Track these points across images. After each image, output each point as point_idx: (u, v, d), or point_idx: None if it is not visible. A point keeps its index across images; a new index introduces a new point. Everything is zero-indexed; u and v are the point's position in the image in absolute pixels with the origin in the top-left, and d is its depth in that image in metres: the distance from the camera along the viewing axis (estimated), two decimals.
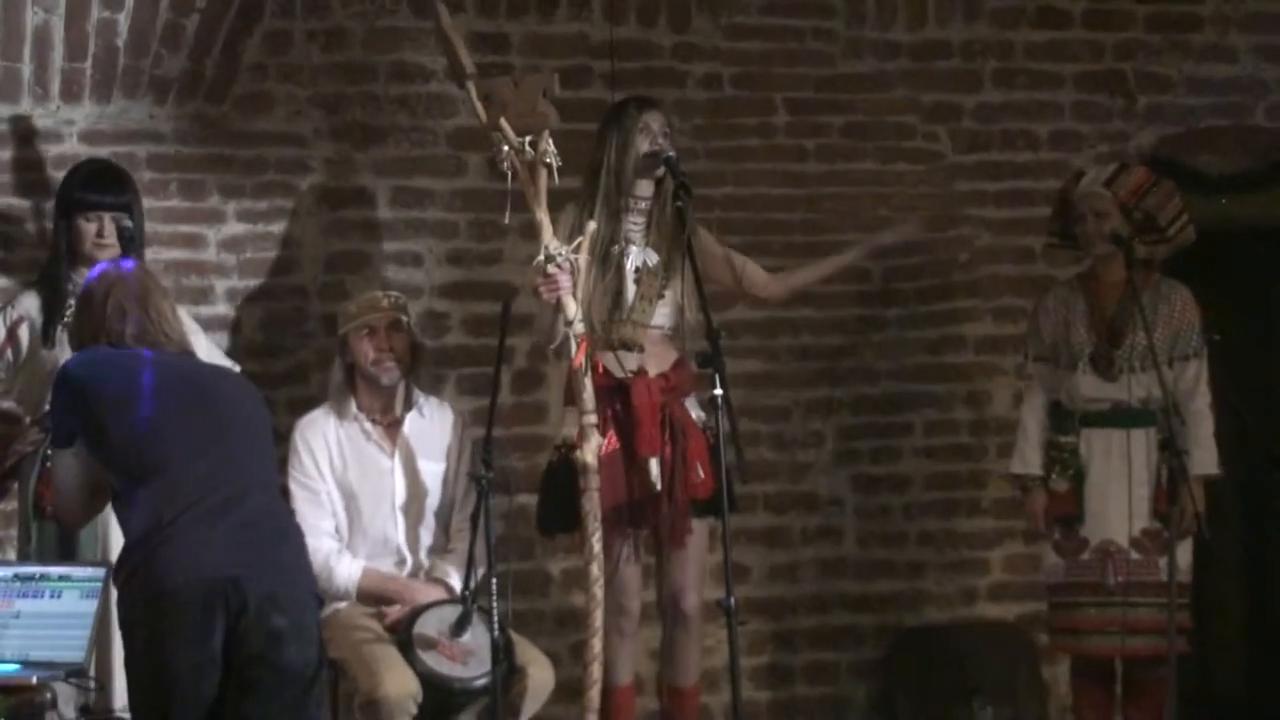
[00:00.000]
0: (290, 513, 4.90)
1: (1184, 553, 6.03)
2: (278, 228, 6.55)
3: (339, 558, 5.68)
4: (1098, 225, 6.13)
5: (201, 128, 6.47)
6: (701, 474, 5.68)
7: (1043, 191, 6.99)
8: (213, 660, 4.36)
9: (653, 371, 5.70)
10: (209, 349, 5.73)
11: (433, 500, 5.85)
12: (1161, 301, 6.14)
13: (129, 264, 4.93)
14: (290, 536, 4.63)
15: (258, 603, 4.38)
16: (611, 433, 5.69)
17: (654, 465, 5.67)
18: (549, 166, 5.48)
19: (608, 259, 5.77)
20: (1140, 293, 6.07)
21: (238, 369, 5.92)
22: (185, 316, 5.37)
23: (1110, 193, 6.16)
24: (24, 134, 6.32)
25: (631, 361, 5.75)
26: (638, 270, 5.79)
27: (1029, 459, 6.21)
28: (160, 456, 4.46)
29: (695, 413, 5.81)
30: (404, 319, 5.87)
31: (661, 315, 5.73)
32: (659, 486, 5.66)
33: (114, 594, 4.60)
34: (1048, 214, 6.50)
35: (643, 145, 5.80)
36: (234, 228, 6.51)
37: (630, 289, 5.77)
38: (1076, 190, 6.25)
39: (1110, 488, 6.07)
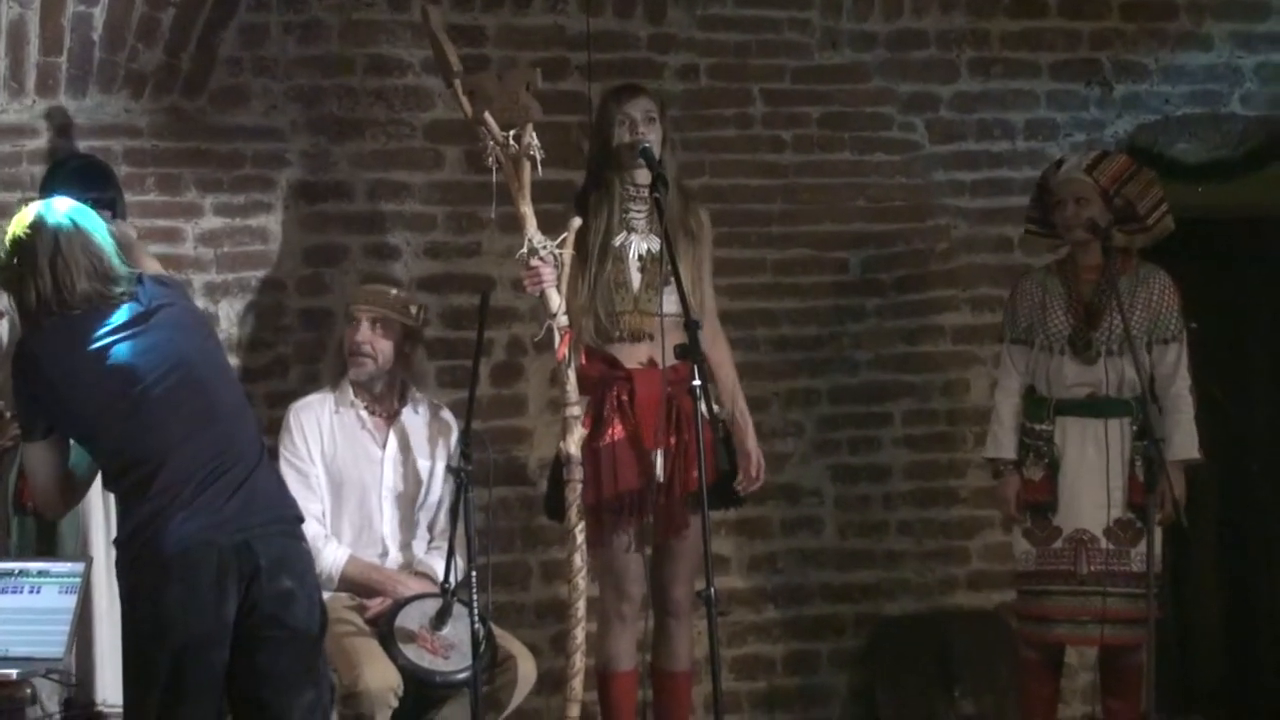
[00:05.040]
0: (281, 477, 4.87)
1: (1154, 541, 6.05)
2: (255, 221, 6.53)
3: (325, 543, 5.68)
4: (1077, 211, 6.14)
5: (178, 122, 6.46)
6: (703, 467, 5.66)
7: (1019, 181, 7.01)
8: (225, 628, 4.40)
9: (664, 362, 5.70)
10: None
11: (420, 494, 5.86)
12: (1140, 286, 6.16)
13: (43, 213, 4.58)
14: (288, 498, 4.64)
15: (269, 565, 4.43)
16: (618, 422, 5.70)
17: (658, 457, 5.67)
18: (532, 159, 5.49)
19: (607, 251, 5.77)
20: (1119, 278, 6.10)
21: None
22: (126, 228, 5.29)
23: (1091, 179, 6.18)
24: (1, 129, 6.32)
25: (642, 352, 5.76)
26: (641, 258, 5.79)
27: (1003, 443, 6.22)
28: (149, 435, 4.44)
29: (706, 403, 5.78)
30: (393, 317, 5.87)
31: (670, 302, 5.71)
32: (662, 478, 5.67)
33: (95, 585, 4.61)
34: (1025, 203, 6.51)
35: (622, 136, 5.80)
36: (211, 222, 6.49)
37: (635, 278, 5.78)
38: (1057, 176, 6.27)
39: (1085, 477, 6.08)
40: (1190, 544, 6.55)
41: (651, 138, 5.78)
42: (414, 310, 5.97)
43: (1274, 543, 8.00)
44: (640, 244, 5.82)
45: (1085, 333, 6.14)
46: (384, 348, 5.85)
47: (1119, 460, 6.08)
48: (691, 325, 5.40)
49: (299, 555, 4.56)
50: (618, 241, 5.80)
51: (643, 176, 5.77)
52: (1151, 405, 6.09)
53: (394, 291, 6.02)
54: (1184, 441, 6.10)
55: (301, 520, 4.65)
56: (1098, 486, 6.07)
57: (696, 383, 5.33)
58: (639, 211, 5.82)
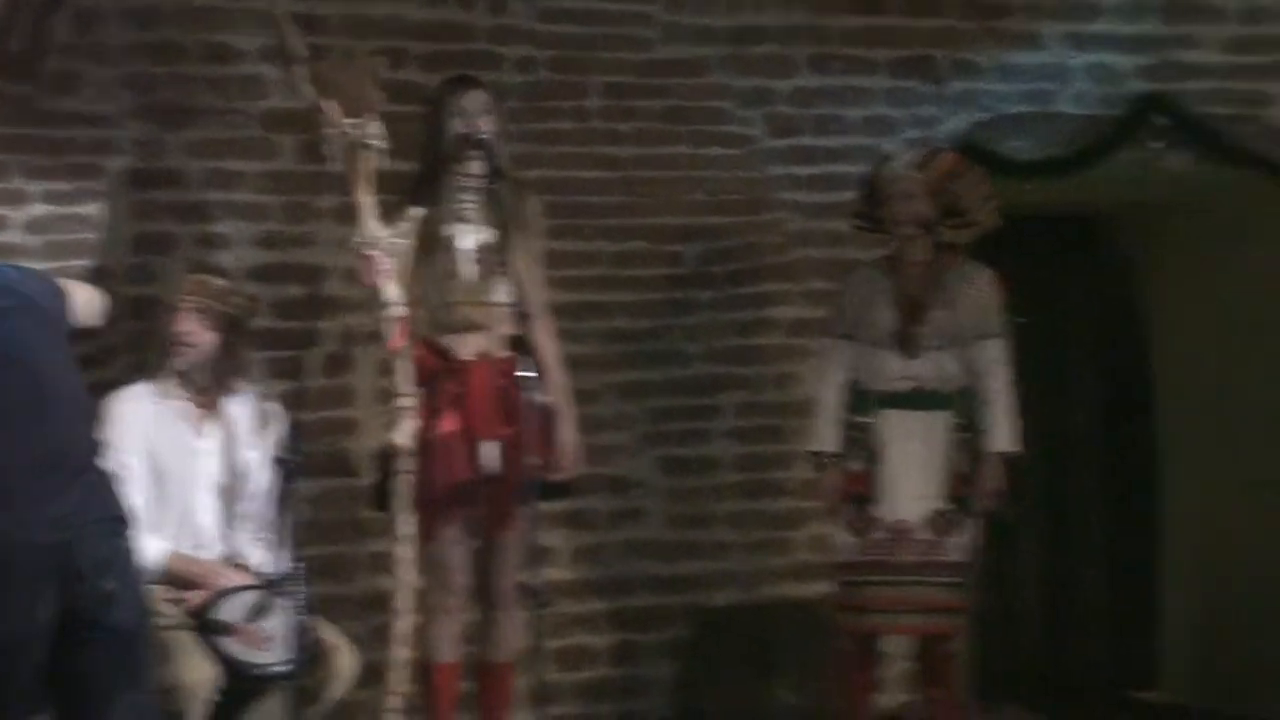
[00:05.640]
0: (111, 476, 4.85)
1: (972, 532, 6.18)
2: (84, 209, 6.47)
3: (144, 536, 5.65)
4: (906, 207, 6.24)
5: (5, 107, 6.37)
6: (536, 459, 5.71)
7: (854, 176, 7.03)
8: (39, 629, 4.37)
9: (496, 353, 5.73)
10: None
11: (243, 486, 5.84)
12: (965, 282, 6.27)
13: None
14: (117, 497, 4.62)
15: (90, 566, 4.41)
16: (451, 413, 5.72)
17: (490, 449, 5.71)
18: (374, 149, 5.50)
19: (441, 242, 5.79)
20: (945, 273, 6.20)
21: None
22: None
23: (920, 175, 6.28)
24: None
25: (475, 343, 5.79)
26: (474, 250, 5.82)
27: (825, 436, 6.31)
28: None
29: (538, 394, 5.85)
30: (216, 307, 5.85)
31: (502, 294, 5.76)
32: (494, 470, 5.70)
33: None
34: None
35: (457, 128, 5.83)
36: (39, 209, 6.41)
37: (467, 269, 5.80)
38: (886, 172, 6.36)
39: (906, 469, 6.19)
40: (1011, 535, 6.66)
41: (486, 130, 5.82)
42: (239, 300, 5.96)
43: (1093, 534, 8.18)
44: (473, 235, 5.85)
45: (910, 327, 6.24)
46: (206, 338, 5.82)
47: (940, 453, 6.21)
48: (524, 316, 5.46)
49: (123, 555, 4.54)
50: (451, 233, 5.83)
51: (476, 168, 5.82)
52: (974, 399, 6.21)
53: (219, 281, 6.00)
54: (1005, 434, 6.22)
55: (128, 520, 4.65)
56: (919, 478, 6.19)
57: (528, 374, 5.40)
58: (472, 203, 5.86)
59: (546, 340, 5.94)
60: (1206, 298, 8.08)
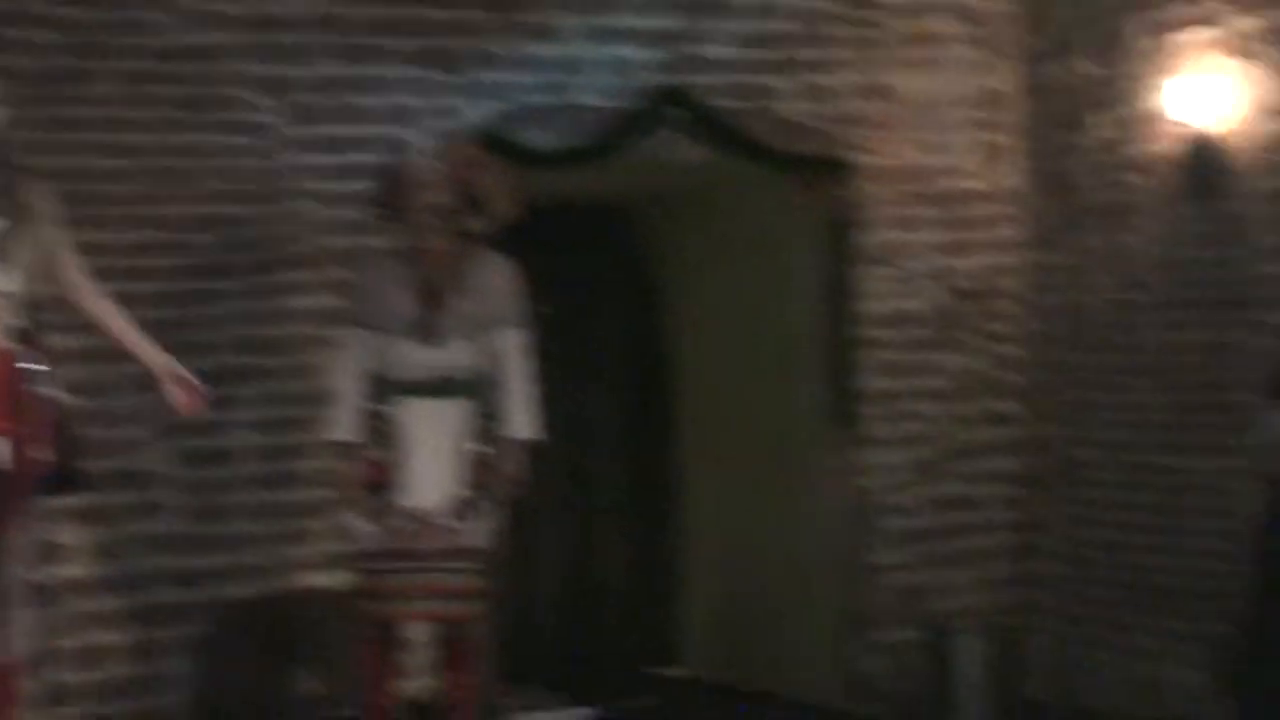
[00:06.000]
0: None
1: (494, 519, 6.30)
2: None
3: None
4: (424, 197, 6.32)
5: None
6: (44, 452, 5.59)
7: (373, 165, 7.09)
8: None
9: (3, 344, 5.57)
10: None
11: None
12: (485, 271, 6.38)
13: None
14: None
15: None
16: None
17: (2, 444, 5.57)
18: None
19: None
20: (464, 263, 6.30)
21: None
22: None
23: (438, 166, 6.36)
24: None
25: None
26: None
27: (343, 425, 6.36)
28: None
29: (47, 387, 5.71)
30: None
31: (9, 283, 5.60)
32: (7, 465, 5.56)
33: None
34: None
35: None
36: None
37: None
38: (404, 162, 6.42)
39: (426, 457, 6.28)
40: (534, 521, 6.80)
41: None
42: None
43: (615, 517, 8.41)
44: None
45: (430, 316, 6.32)
46: None
47: (461, 440, 6.32)
48: (29, 307, 5.32)
49: None
50: None
51: None
52: (496, 387, 6.32)
53: None
54: (525, 422, 6.36)
55: None
56: (440, 466, 6.30)
57: (36, 366, 5.27)
58: None
59: (118, 321, 5.86)
60: (723, 285, 8.36)
